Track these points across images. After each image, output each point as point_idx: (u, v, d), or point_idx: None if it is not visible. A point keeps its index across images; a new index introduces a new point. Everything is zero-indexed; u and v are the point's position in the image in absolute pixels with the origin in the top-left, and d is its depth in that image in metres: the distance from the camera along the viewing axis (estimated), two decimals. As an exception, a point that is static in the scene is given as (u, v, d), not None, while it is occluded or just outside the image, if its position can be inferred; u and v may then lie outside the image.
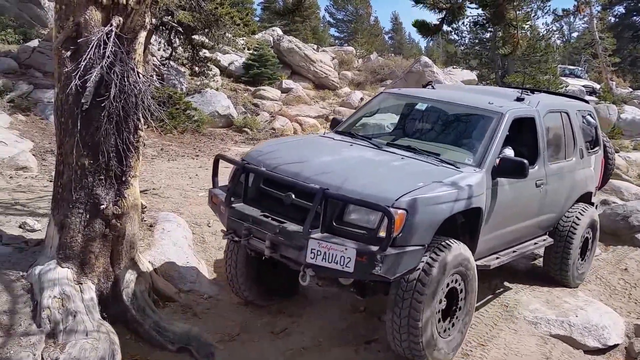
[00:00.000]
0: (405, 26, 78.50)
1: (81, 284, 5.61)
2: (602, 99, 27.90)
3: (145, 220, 7.81)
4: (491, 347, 6.43)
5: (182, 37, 16.95)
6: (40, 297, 5.30)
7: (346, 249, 5.00)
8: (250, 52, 24.27)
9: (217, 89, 20.24)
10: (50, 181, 8.93)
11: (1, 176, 9.94)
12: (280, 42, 27.01)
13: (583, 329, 7.06)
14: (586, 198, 8.54)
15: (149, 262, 6.78)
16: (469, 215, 6.10)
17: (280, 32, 30.58)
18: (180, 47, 17.58)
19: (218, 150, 15.29)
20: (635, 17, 51.64)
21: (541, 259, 8.60)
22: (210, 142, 16.68)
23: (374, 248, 4.98)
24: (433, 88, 8.48)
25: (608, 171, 9.62)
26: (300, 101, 23.56)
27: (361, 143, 6.85)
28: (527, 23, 27.37)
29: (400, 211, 5.12)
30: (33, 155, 11.63)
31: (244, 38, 21.38)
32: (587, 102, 9.77)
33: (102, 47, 5.31)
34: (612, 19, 50.84)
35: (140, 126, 5.82)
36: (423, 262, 5.40)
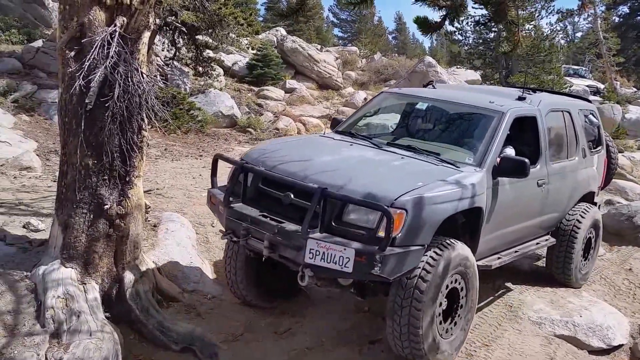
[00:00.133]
0: (409, 26, 78.38)
1: (85, 284, 5.61)
2: (606, 98, 27.84)
3: (149, 220, 7.81)
4: (495, 348, 6.42)
5: (185, 37, 16.94)
6: (44, 297, 5.30)
7: (345, 249, 4.98)
8: (254, 52, 24.24)
9: (220, 89, 20.22)
10: (54, 181, 8.94)
11: (5, 176, 9.95)
12: (284, 42, 26.98)
13: (587, 329, 7.05)
14: (589, 198, 8.52)
15: (153, 262, 6.78)
16: (470, 215, 6.08)
17: (284, 32, 30.57)
18: (184, 47, 17.57)
19: (222, 151, 15.29)
20: (639, 17, 51.54)
21: (545, 260, 8.57)
22: (214, 142, 16.67)
23: (373, 248, 4.96)
24: (434, 87, 8.47)
25: (611, 171, 9.59)
26: (303, 101, 23.53)
27: (361, 143, 6.84)
28: (531, 23, 27.39)
29: (399, 211, 5.11)
30: (37, 155, 11.63)
31: (248, 38, 21.37)
32: (589, 101, 9.75)
33: (106, 48, 5.32)
34: (616, 19, 50.74)
35: (144, 126, 5.83)
36: (423, 262, 5.37)
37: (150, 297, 6.16)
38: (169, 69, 18.26)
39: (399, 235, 5.10)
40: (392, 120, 8.46)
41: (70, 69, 5.39)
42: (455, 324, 5.90)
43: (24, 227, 7.10)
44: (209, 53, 18.88)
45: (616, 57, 37.53)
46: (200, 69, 18.48)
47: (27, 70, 16.68)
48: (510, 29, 7.40)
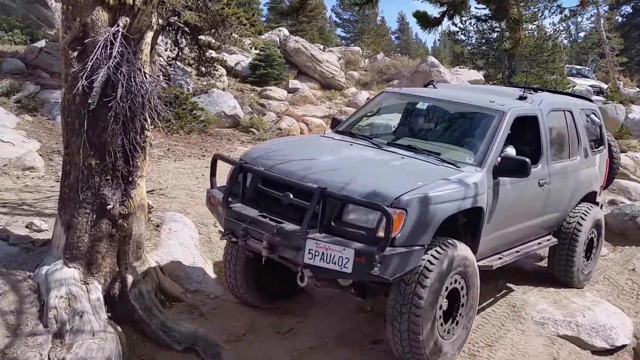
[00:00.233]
0: (412, 26, 78.31)
1: (88, 284, 5.62)
2: (609, 98, 27.82)
3: (151, 221, 7.81)
4: (498, 348, 6.41)
5: (188, 37, 16.94)
6: (46, 297, 5.30)
7: (344, 249, 4.95)
8: (257, 52, 24.26)
9: (223, 89, 20.22)
10: (57, 181, 8.95)
11: (8, 176, 9.96)
12: (287, 42, 26.99)
13: (591, 329, 7.04)
14: (591, 198, 8.50)
15: (156, 262, 6.78)
16: (471, 215, 6.06)
17: (286, 32, 30.60)
18: (186, 48, 17.58)
19: (225, 151, 15.30)
20: (642, 17, 51.55)
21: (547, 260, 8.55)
22: (217, 142, 16.67)
23: (373, 248, 4.93)
24: (434, 87, 8.45)
25: (613, 170, 9.57)
26: (306, 101, 23.54)
27: (361, 143, 6.82)
28: (534, 23, 27.36)
29: (399, 211, 5.08)
30: (40, 155, 11.64)
31: (251, 38, 21.38)
32: (591, 100, 9.73)
33: (108, 48, 5.31)
34: (620, 19, 50.74)
35: (146, 126, 5.83)
36: (421, 267, 5.33)
37: (153, 297, 6.16)
38: (171, 69, 18.27)
39: (399, 235, 5.08)
40: (395, 120, 8.45)
41: (73, 69, 5.39)
42: (457, 323, 5.87)
43: (26, 227, 7.11)
44: (211, 53, 18.89)
45: (619, 57, 37.53)
46: (203, 69, 18.48)
47: (30, 71, 16.70)
48: (512, 26, 7.39)
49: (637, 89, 36.01)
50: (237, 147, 16.43)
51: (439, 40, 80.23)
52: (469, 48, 30.68)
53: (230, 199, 5.86)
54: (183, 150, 14.86)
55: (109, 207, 5.68)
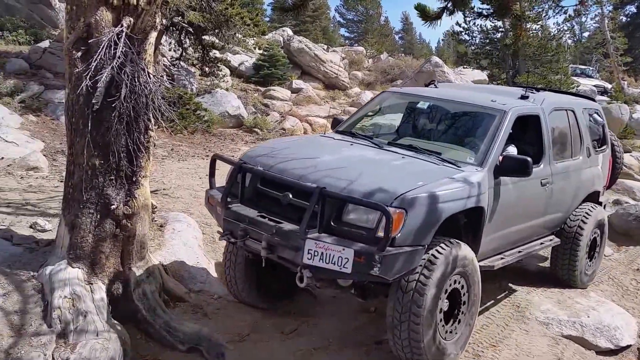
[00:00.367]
0: (416, 26, 78.44)
1: (92, 284, 5.62)
2: (613, 98, 27.78)
3: (155, 221, 7.82)
4: (502, 348, 6.40)
5: (192, 37, 16.93)
6: (50, 297, 5.30)
7: (344, 249, 4.93)
8: (261, 52, 24.25)
9: (227, 90, 20.24)
10: (61, 181, 8.95)
11: (12, 176, 9.97)
12: (291, 42, 26.99)
13: (595, 329, 7.03)
14: (594, 197, 8.47)
15: (160, 262, 6.78)
16: (472, 215, 6.03)
17: (290, 32, 30.61)
18: (190, 48, 17.57)
19: (228, 151, 15.32)
20: (646, 17, 51.47)
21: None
22: (221, 143, 16.68)
23: (372, 248, 4.90)
24: (436, 87, 8.41)
25: (616, 170, 9.53)
26: (310, 101, 23.54)
27: (362, 142, 6.80)
28: (539, 23, 27.32)
29: (398, 211, 5.06)
30: (44, 155, 11.66)
31: (254, 38, 21.37)
32: (594, 100, 9.70)
33: (112, 48, 5.32)
34: (624, 19, 50.70)
35: (150, 126, 5.83)
36: (422, 263, 5.31)
37: (157, 297, 6.17)
38: (175, 69, 18.29)
39: (399, 235, 5.05)
40: (398, 120, 8.44)
41: (77, 70, 5.39)
42: (459, 321, 5.85)
43: (30, 227, 7.11)
44: (215, 53, 18.87)
45: (623, 57, 37.43)
46: (207, 69, 18.47)
47: (34, 71, 16.74)
48: (514, 23, 7.42)
49: (642, 89, 35.95)
50: (241, 147, 16.44)
51: (442, 40, 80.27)
52: (473, 48, 30.59)
53: (229, 199, 5.85)
54: (187, 150, 14.87)
55: (112, 207, 5.68)
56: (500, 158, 6.30)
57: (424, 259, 5.32)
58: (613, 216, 10.82)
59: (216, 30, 16.60)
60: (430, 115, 7.58)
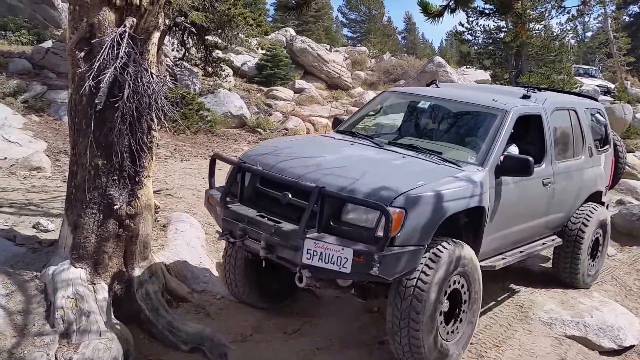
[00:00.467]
0: (419, 26, 78.35)
1: (94, 284, 5.62)
2: (616, 98, 27.75)
3: (158, 221, 7.82)
4: (506, 348, 6.39)
5: (195, 37, 16.95)
6: (53, 297, 5.31)
7: (343, 249, 4.90)
8: (263, 52, 24.26)
9: (230, 90, 20.23)
10: (64, 181, 8.97)
11: (15, 176, 9.98)
12: (293, 42, 26.99)
13: (598, 329, 7.02)
14: (596, 197, 8.44)
15: (162, 262, 6.79)
16: (473, 215, 6.01)
17: (293, 32, 30.62)
18: (193, 48, 17.58)
19: (231, 151, 15.32)
20: (650, 16, 51.41)
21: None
22: (224, 143, 16.68)
23: (372, 248, 4.87)
24: (437, 87, 8.39)
25: (619, 170, 9.50)
26: (313, 101, 23.53)
27: (362, 142, 6.78)
28: (542, 23, 27.33)
29: (398, 210, 5.03)
30: (47, 155, 11.66)
31: (257, 38, 21.38)
32: (596, 100, 9.68)
33: (115, 48, 5.32)
34: (627, 18, 50.61)
35: (153, 126, 5.84)
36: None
37: (160, 297, 6.17)
38: (178, 69, 18.28)
39: (398, 235, 5.02)
40: (400, 120, 8.43)
41: (80, 70, 5.39)
42: (461, 320, 5.82)
43: (33, 227, 7.12)
44: (218, 53, 18.88)
45: (627, 57, 37.46)
46: (210, 69, 18.47)
47: (36, 71, 16.75)
48: (515, 21, 7.43)
49: (645, 89, 35.91)
50: (244, 147, 16.43)
51: (445, 40, 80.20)
52: (476, 48, 30.63)
53: (228, 199, 5.83)
54: (189, 151, 14.87)
55: (115, 207, 5.68)
56: (502, 158, 6.28)
57: (424, 259, 5.30)
58: (616, 216, 10.80)
59: (219, 31, 16.62)
60: (432, 115, 7.56)
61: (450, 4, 6.13)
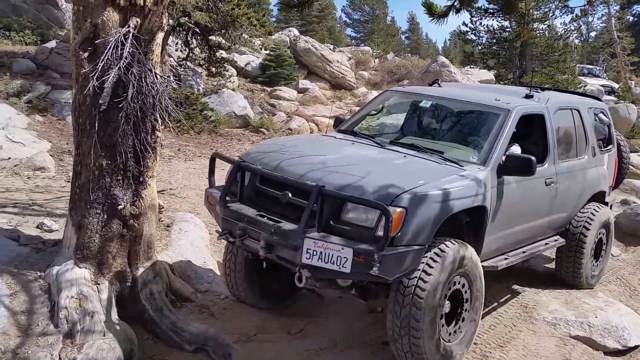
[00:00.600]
0: (422, 26, 78.32)
1: (99, 284, 5.62)
2: (621, 98, 27.69)
3: (162, 221, 7.83)
4: (510, 349, 6.38)
5: (199, 38, 16.96)
6: (57, 297, 5.31)
7: (342, 249, 4.87)
8: (267, 52, 24.27)
9: (233, 90, 20.25)
10: (68, 182, 8.97)
11: (19, 177, 10.00)
12: (297, 42, 27.00)
13: (603, 330, 7.00)
14: (599, 197, 8.42)
15: (166, 262, 6.79)
16: (474, 215, 5.98)
17: (296, 32, 30.61)
18: (197, 48, 17.60)
19: (235, 151, 15.32)
20: (654, 16, 51.29)
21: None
22: (227, 143, 16.70)
23: (372, 247, 4.83)
24: (439, 86, 8.35)
25: (622, 170, 9.46)
26: (316, 101, 23.54)
27: (363, 142, 6.76)
28: (545, 22, 27.30)
29: (398, 209, 5.00)
30: (50, 155, 11.69)
31: (261, 39, 21.42)
32: (599, 99, 9.66)
33: (119, 48, 5.32)
34: (631, 18, 50.48)
35: (157, 127, 5.83)
36: (423, 262, 5.25)
37: (164, 297, 6.17)
38: (182, 69, 18.31)
39: (399, 234, 5.00)
40: (402, 119, 8.41)
41: (84, 70, 5.40)
42: (463, 319, 5.79)
43: (37, 227, 7.14)
44: (222, 53, 18.89)
45: (631, 57, 37.34)
46: (213, 69, 18.48)
47: (40, 71, 16.79)
48: (518, 20, 7.43)
49: (649, 89, 35.82)
50: (247, 147, 16.42)
51: (449, 40, 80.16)
52: (480, 48, 30.58)
53: (228, 198, 5.81)
54: (193, 151, 14.90)
55: (119, 207, 5.68)
56: (504, 157, 6.26)
57: (425, 259, 5.27)
58: (621, 216, 10.79)
59: (223, 31, 16.63)
60: (434, 115, 7.56)
61: (455, 3, 6.12)
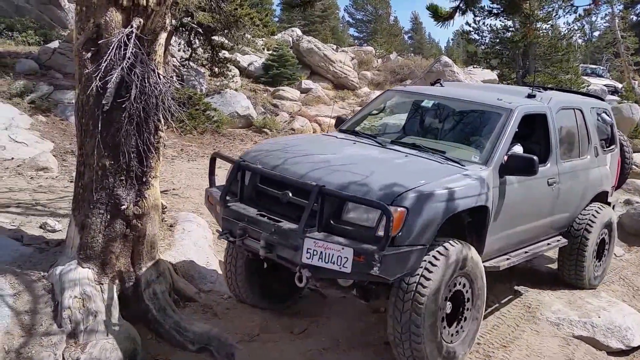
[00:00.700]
0: (425, 26, 78.08)
1: (102, 284, 5.63)
2: (624, 98, 27.63)
3: (165, 221, 7.84)
4: (513, 349, 6.38)
5: (201, 38, 16.98)
6: (61, 297, 5.32)
7: (343, 249, 4.85)
8: (270, 52, 24.26)
9: (236, 90, 20.26)
10: (71, 182, 8.99)
11: (22, 177, 10.01)
12: (300, 42, 27.01)
13: (606, 330, 6.99)
14: (602, 197, 8.39)
15: (170, 262, 6.79)
16: (476, 214, 5.96)
17: (299, 32, 30.61)
18: (200, 48, 17.61)
19: (238, 151, 15.31)
20: (658, 16, 51.16)
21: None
22: (230, 143, 16.71)
23: (372, 247, 4.81)
24: (441, 86, 8.32)
25: (625, 170, 9.43)
26: (319, 101, 23.53)
27: (364, 141, 6.74)
28: (549, 22, 27.27)
29: (399, 209, 4.97)
30: (53, 156, 11.70)
31: (264, 39, 21.38)
32: (602, 99, 9.63)
33: (122, 49, 5.33)
34: (634, 18, 50.33)
35: (160, 127, 5.84)
36: (423, 263, 5.22)
37: (167, 297, 6.17)
38: (185, 69, 18.33)
39: (399, 234, 4.97)
40: (404, 119, 8.40)
41: (87, 70, 5.40)
42: (465, 319, 5.77)
43: (40, 227, 7.14)
44: (224, 54, 18.91)
45: (634, 56, 37.22)
46: (216, 69, 18.50)
47: (43, 71, 16.80)
48: (523, 21, 7.42)
49: (652, 89, 35.76)
50: (250, 147, 16.44)
51: (452, 39, 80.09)
52: (483, 47, 30.56)
53: (228, 198, 5.80)
54: (196, 151, 14.90)
55: (123, 207, 5.69)
56: (506, 157, 6.24)
57: (426, 258, 5.24)
58: (624, 216, 10.77)
59: (225, 31, 16.65)
60: (435, 114, 7.54)
61: (461, 5, 6.11)
